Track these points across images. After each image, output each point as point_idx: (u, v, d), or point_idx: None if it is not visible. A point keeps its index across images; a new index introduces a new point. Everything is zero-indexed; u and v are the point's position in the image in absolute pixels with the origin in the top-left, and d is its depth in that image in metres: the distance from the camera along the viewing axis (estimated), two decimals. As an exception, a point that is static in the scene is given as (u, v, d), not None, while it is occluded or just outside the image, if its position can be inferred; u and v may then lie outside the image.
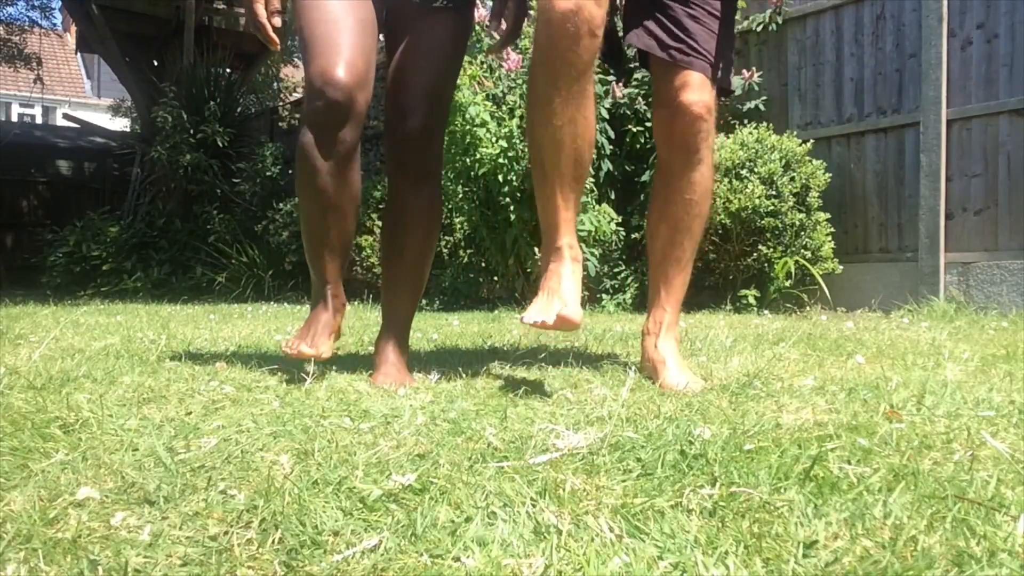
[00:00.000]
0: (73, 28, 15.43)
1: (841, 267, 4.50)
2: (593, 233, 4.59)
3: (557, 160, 1.58)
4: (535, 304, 1.54)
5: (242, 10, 5.24)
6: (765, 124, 4.59)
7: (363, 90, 1.63)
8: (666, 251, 1.77)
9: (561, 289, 1.54)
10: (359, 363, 2.07)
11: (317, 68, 1.59)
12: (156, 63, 9.70)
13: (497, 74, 4.87)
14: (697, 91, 1.65)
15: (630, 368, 1.91)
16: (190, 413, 1.33)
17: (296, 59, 12.47)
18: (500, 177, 4.58)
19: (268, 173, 7.41)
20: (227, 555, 0.70)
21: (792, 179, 4.34)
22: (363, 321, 3.66)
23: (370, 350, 1.67)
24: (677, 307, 1.79)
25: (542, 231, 1.67)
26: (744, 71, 4.87)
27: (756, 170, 4.30)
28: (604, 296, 4.73)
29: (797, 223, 4.33)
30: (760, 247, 4.35)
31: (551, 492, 0.83)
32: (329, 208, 1.67)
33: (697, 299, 4.46)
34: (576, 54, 1.50)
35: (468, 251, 5.26)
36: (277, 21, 1.64)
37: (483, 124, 4.56)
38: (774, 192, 4.29)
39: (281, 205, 6.96)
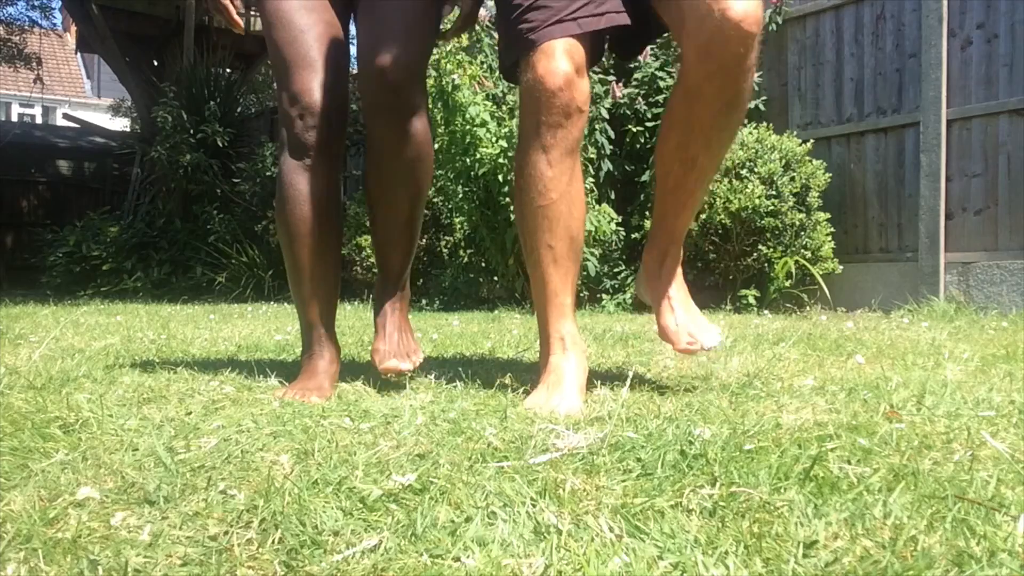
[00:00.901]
0: (73, 28, 15.43)
1: (841, 267, 4.50)
2: (593, 233, 4.59)
3: (551, 238, 1.47)
4: (536, 396, 1.42)
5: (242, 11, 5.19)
6: (765, 124, 4.59)
7: (342, 111, 1.57)
8: (676, 188, 1.55)
9: (563, 385, 1.42)
10: (359, 363, 2.07)
11: (294, 90, 1.52)
12: (156, 63, 9.70)
13: (497, 74, 4.87)
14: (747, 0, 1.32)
15: (630, 368, 1.91)
16: (190, 413, 1.33)
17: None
18: (500, 177, 4.58)
19: (268, 173, 7.41)
20: (227, 555, 0.70)
21: (792, 179, 4.34)
22: (363, 321, 3.66)
23: (370, 349, 1.66)
24: (681, 238, 1.64)
25: (538, 321, 1.56)
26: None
27: (756, 170, 4.30)
28: (604, 296, 4.73)
29: (797, 223, 4.33)
30: (760, 247, 4.35)
31: (551, 492, 0.83)
32: (315, 239, 1.58)
33: (697, 299, 4.45)
34: (567, 130, 1.42)
35: (468, 251, 5.26)
36: (239, 3, 1.60)
37: (483, 124, 4.56)
38: (774, 192, 4.29)
39: (281, 205, 6.95)
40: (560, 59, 1.40)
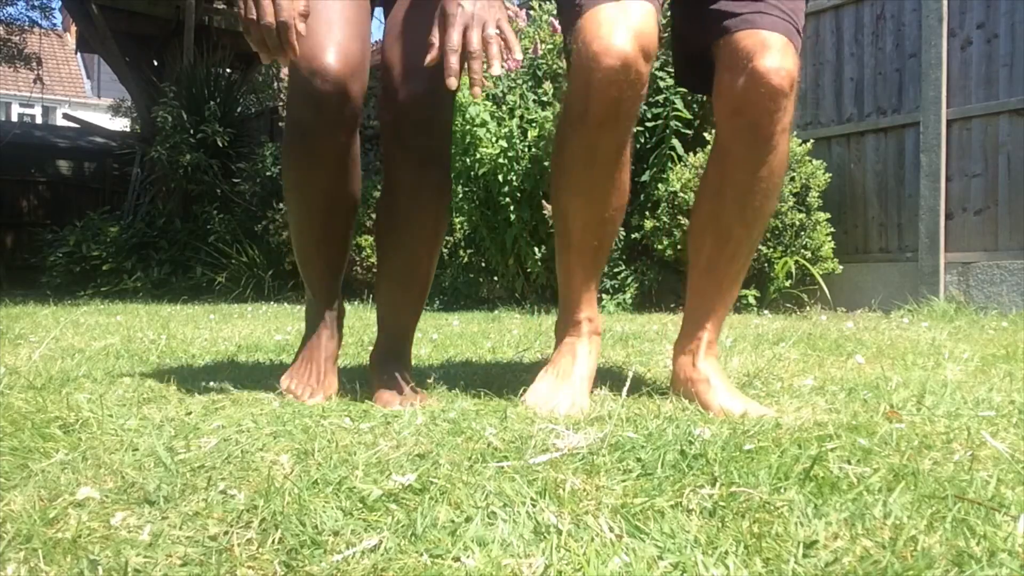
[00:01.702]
0: (73, 28, 15.43)
1: (841, 267, 4.51)
2: (593, 233, 4.59)
3: (585, 230, 1.36)
4: (542, 382, 1.34)
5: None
6: (765, 124, 4.58)
7: (358, 79, 1.37)
8: (712, 263, 1.42)
9: (573, 373, 1.35)
10: (359, 363, 2.07)
11: (302, 54, 1.31)
12: (156, 63, 9.70)
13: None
14: (779, 55, 1.27)
15: (630, 368, 1.91)
16: (190, 413, 1.33)
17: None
18: (500, 177, 4.58)
19: (268, 173, 7.41)
20: (227, 555, 0.70)
21: (792, 179, 4.34)
22: (363, 321, 3.66)
23: (370, 349, 1.65)
24: (721, 321, 1.47)
25: (560, 299, 1.47)
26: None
27: (756, 170, 4.30)
28: (604, 296, 4.73)
29: (797, 223, 4.33)
30: (760, 247, 4.35)
31: (551, 492, 0.83)
32: (327, 213, 1.48)
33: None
34: (618, 121, 1.27)
35: (468, 251, 5.26)
36: (302, 27, 1.26)
37: (483, 124, 4.56)
38: (774, 192, 4.28)
39: (281, 205, 6.96)
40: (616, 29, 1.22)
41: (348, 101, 1.36)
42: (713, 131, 4.51)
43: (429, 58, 1.27)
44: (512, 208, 4.60)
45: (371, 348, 1.63)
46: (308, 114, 1.37)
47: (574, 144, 1.34)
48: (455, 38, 1.26)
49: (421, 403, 1.40)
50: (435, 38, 1.27)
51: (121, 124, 14.87)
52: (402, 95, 1.41)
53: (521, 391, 1.45)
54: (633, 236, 4.82)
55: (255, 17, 1.24)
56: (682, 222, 4.36)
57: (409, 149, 1.43)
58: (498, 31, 1.28)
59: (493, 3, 1.29)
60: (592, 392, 1.50)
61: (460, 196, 4.80)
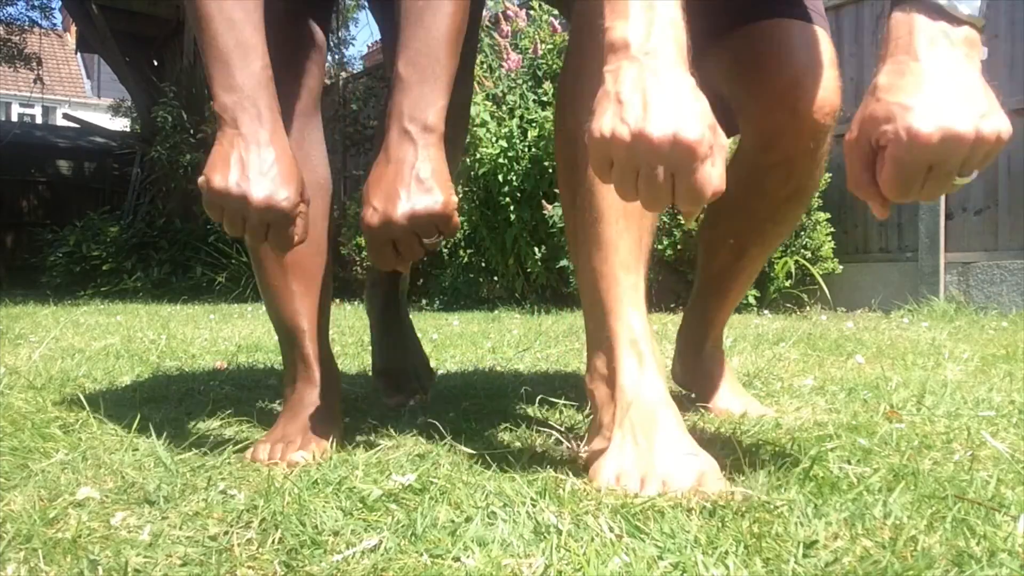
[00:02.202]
0: (73, 28, 15.42)
1: (841, 267, 4.50)
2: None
3: (627, 216, 1.00)
4: (614, 458, 0.90)
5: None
6: (765, 124, 4.58)
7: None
8: (724, 269, 1.33)
9: (659, 429, 0.91)
10: (359, 363, 2.07)
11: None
12: (156, 63, 9.69)
13: (497, 74, 4.87)
14: (822, 81, 1.11)
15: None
16: (190, 413, 1.33)
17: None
18: (500, 177, 4.58)
19: (268, 173, 7.39)
20: (227, 555, 0.70)
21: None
22: (364, 321, 3.66)
23: (371, 350, 1.65)
24: (725, 321, 1.42)
25: (586, 315, 1.04)
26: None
27: (756, 170, 4.30)
28: (604, 296, 4.72)
29: (797, 223, 4.33)
30: (760, 247, 4.35)
31: (551, 492, 0.83)
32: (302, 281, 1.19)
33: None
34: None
35: (468, 251, 5.26)
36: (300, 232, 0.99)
37: (483, 124, 4.56)
38: (774, 192, 4.28)
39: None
40: None
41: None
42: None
43: None
44: (512, 208, 4.60)
45: (372, 348, 1.63)
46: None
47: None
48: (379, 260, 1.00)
49: (419, 400, 1.39)
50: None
51: (121, 124, 14.86)
52: None
53: (521, 391, 1.45)
54: (633, 236, 4.81)
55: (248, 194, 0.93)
56: (682, 222, 4.35)
57: None
58: (436, 237, 0.97)
59: (425, 196, 0.95)
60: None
61: (460, 196, 4.80)
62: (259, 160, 0.94)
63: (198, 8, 0.96)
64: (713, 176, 0.78)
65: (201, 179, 0.95)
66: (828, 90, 1.13)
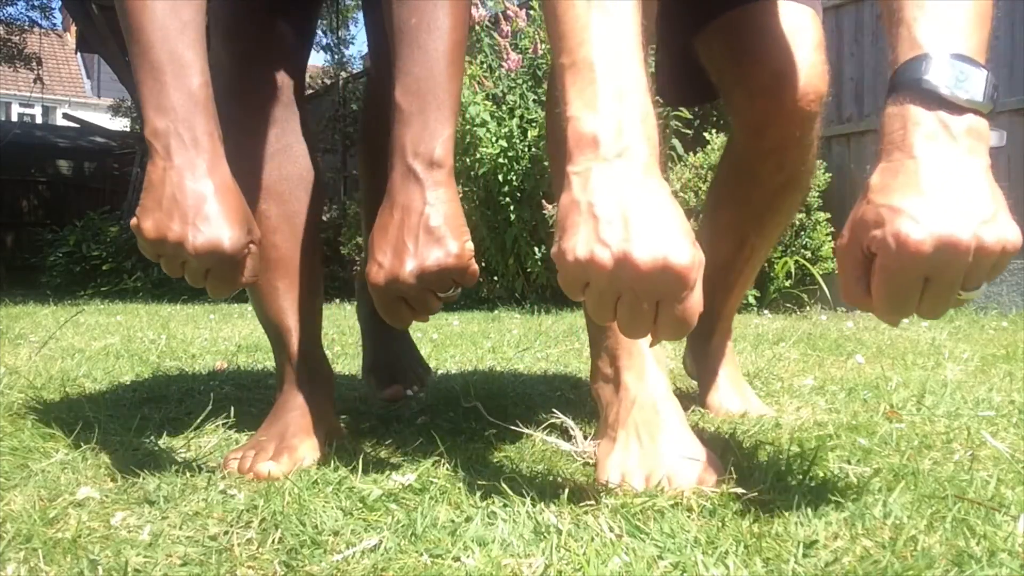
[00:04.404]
0: (73, 28, 15.43)
1: (841, 267, 4.50)
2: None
3: None
4: (618, 456, 0.91)
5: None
6: (765, 124, 4.58)
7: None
8: (728, 263, 1.32)
9: (664, 427, 0.91)
10: (359, 363, 2.07)
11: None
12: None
13: (497, 74, 4.87)
14: (808, 70, 1.09)
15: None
16: (190, 413, 1.33)
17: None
18: (500, 177, 4.58)
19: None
20: (227, 555, 0.70)
21: (792, 179, 4.34)
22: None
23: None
24: (732, 315, 1.39)
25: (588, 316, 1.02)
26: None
27: (756, 170, 4.30)
28: (604, 296, 4.72)
29: (797, 223, 4.32)
30: (760, 247, 4.35)
31: (551, 492, 0.83)
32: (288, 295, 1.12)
33: (697, 299, 4.45)
34: None
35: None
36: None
37: (483, 124, 4.56)
38: (774, 192, 4.29)
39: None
40: None
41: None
42: (713, 131, 4.52)
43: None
44: (512, 208, 4.59)
45: (363, 349, 1.62)
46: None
47: None
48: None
49: (416, 392, 1.35)
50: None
51: (121, 124, 14.86)
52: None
53: (521, 391, 1.45)
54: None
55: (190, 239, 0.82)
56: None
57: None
58: (453, 290, 0.89)
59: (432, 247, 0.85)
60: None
61: (460, 196, 4.79)
62: (196, 198, 0.82)
63: (128, 16, 0.84)
64: (699, 300, 0.71)
65: (133, 221, 0.84)
66: (812, 76, 1.09)
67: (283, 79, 1.14)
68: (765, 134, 1.14)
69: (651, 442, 0.89)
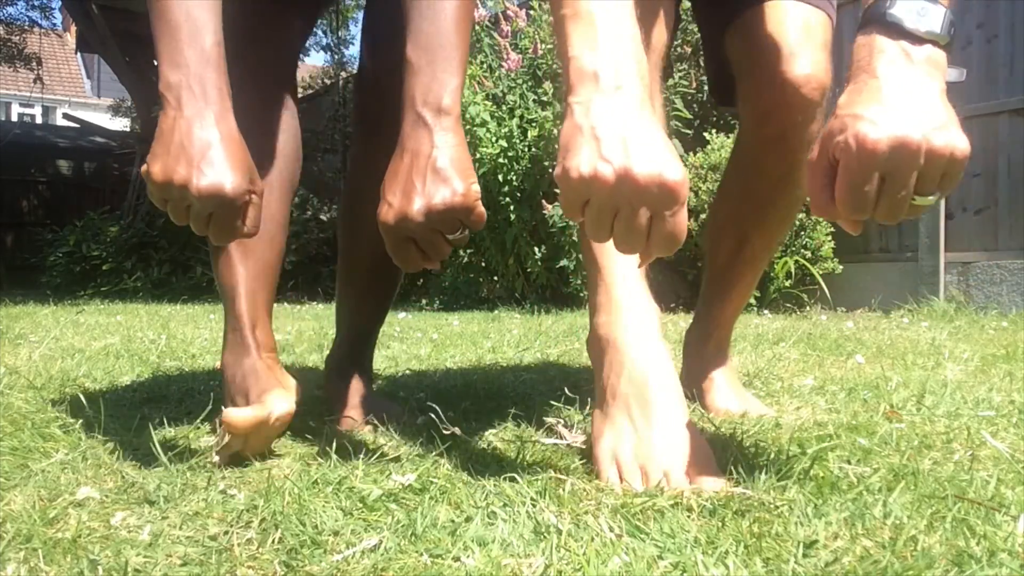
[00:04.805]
0: (73, 28, 15.43)
1: (841, 267, 4.50)
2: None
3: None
4: (610, 439, 0.93)
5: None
6: (765, 124, 4.58)
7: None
8: (731, 262, 1.35)
9: (654, 404, 0.93)
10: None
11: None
12: (156, 63, 9.68)
13: (497, 74, 4.87)
14: (810, 58, 1.15)
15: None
16: (190, 413, 1.33)
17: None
18: (500, 177, 4.58)
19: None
20: (227, 555, 0.70)
21: (792, 179, 4.34)
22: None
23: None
24: (733, 320, 1.42)
25: (590, 288, 1.09)
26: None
27: (756, 170, 4.30)
28: (604, 296, 4.72)
29: (797, 223, 4.33)
30: (760, 247, 4.35)
31: (551, 492, 0.83)
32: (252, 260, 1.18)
33: (697, 299, 4.45)
34: None
35: (468, 251, 5.26)
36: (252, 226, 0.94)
37: (483, 124, 4.56)
38: (774, 192, 4.29)
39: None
40: None
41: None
42: (713, 131, 4.52)
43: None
44: (512, 208, 4.60)
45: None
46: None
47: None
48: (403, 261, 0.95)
49: (386, 419, 1.21)
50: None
51: (121, 124, 14.86)
52: (385, 63, 1.22)
53: (521, 391, 1.45)
54: (633, 236, 4.82)
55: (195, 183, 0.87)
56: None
57: (389, 124, 1.17)
58: (461, 231, 0.94)
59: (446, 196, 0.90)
60: (589, 382, 1.49)
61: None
62: (202, 144, 0.87)
63: None
64: (685, 218, 0.77)
65: (143, 167, 0.90)
66: (816, 66, 1.16)
67: (276, 59, 1.21)
68: (769, 121, 1.20)
69: (645, 425, 0.91)
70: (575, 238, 4.27)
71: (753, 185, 1.28)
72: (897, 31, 0.78)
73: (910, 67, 0.77)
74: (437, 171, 0.89)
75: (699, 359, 1.39)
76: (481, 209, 0.91)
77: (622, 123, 0.76)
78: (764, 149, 1.24)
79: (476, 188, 0.91)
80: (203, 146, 0.87)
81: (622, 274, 1.03)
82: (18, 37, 12.29)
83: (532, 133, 4.56)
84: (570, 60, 0.81)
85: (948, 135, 0.74)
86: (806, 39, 1.15)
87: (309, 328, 3.32)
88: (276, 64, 1.22)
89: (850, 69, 0.81)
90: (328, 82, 9.57)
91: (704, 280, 1.43)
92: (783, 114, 1.17)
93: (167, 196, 0.89)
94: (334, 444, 1.08)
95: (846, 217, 0.78)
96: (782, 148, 1.21)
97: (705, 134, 4.63)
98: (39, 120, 21.61)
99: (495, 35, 4.85)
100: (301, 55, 1.38)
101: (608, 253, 1.03)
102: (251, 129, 1.06)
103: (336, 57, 11.60)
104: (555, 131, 4.35)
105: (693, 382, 1.40)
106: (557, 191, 1.16)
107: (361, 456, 1.00)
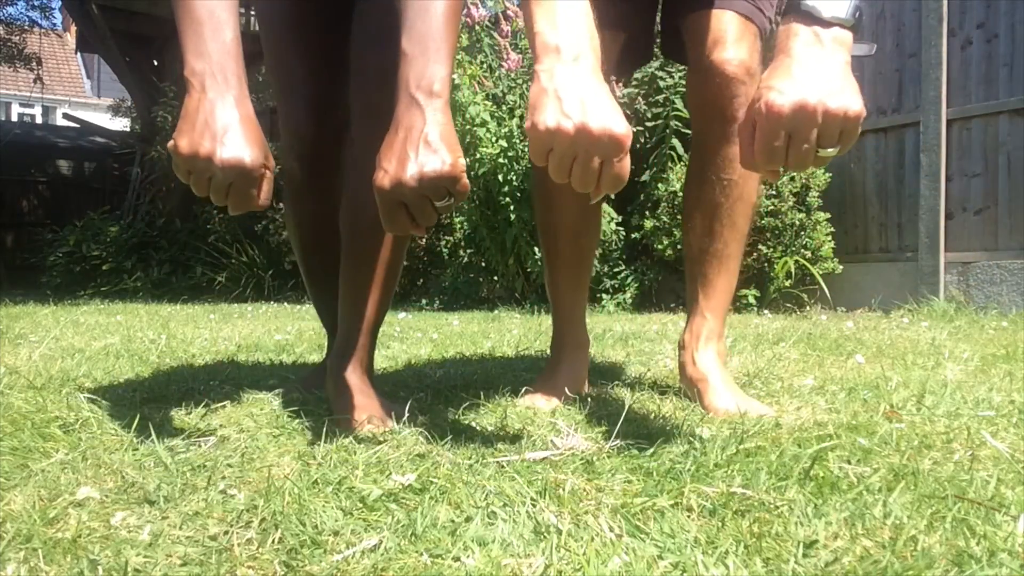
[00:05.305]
0: (73, 28, 15.43)
1: (841, 267, 4.50)
2: (593, 233, 4.59)
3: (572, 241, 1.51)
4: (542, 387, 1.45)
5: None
6: (765, 124, 4.58)
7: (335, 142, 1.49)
8: (703, 245, 1.45)
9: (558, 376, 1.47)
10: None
11: (290, 125, 1.50)
12: (156, 63, 9.69)
13: (497, 74, 4.87)
14: (732, 47, 1.34)
15: (630, 367, 1.91)
16: (190, 413, 1.33)
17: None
18: (500, 177, 4.58)
19: (268, 173, 7.39)
20: (227, 555, 0.70)
21: (792, 179, 4.34)
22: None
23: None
24: (720, 314, 1.47)
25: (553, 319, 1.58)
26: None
27: (756, 170, 4.30)
28: (604, 296, 4.73)
29: (797, 223, 4.33)
30: (760, 247, 4.35)
31: (551, 492, 0.83)
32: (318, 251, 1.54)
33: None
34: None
35: (468, 251, 5.26)
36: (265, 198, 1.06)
37: (483, 124, 4.56)
38: (774, 192, 4.29)
39: (281, 205, 6.95)
40: None
41: (320, 160, 1.52)
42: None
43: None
44: (512, 208, 4.60)
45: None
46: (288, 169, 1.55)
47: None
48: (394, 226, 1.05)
49: (385, 424, 1.21)
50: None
51: (121, 124, 14.86)
52: (374, 62, 1.31)
53: (521, 391, 1.46)
54: (633, 236, 4.82)
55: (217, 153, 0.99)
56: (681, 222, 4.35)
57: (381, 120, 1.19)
58: (447, 199, 1.02)
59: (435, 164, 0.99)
60: (592, 393, 1.50)
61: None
62: (224, 123, 1.00)
63: None
64: (628, 164, 0.94)
65: (170, 143, 1.00)
66: (740, 52, 1.35)
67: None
68: (708, 101, 1.39)
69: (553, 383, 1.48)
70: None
71: (709, 159, 1.43)
72: (810, 18, 0.96)
73: (819, 47, 0.95)
74: (429, 143, 0.99)
75: (692, 358, 1.43)
76: (466, 180, 1.01)
77: (580, 87, 0.93)
78: (709, 125, 1.41)
79: (462, 161, 1.02)
80: (225, 124, 1.00)
81: None
82: (18, 37, 12.30)
83: (532, 133, 4.55)
84: (536, 35, 0.98)
85: (842, 98, 0.91)
86: (737, 36, 1.36)
87: (309, 328, 3.33)
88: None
89: (774, 51, 0.97)
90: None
91: (687, 275, 1.53)
92: (717, 93, 1.36)
93: (192, 168, 1.00)
94: (334, 444, 1.08)
95: (764, 168, 0.96)
96: (724, 118, 1.38)
97: (705, 134, 4.63)
98: (39, 120, 21.61)
99: (495, 35, 4.85)
100: None
101: None
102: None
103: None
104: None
105: (689, 382, 1.41)
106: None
107: (361, 456, 1.00)
